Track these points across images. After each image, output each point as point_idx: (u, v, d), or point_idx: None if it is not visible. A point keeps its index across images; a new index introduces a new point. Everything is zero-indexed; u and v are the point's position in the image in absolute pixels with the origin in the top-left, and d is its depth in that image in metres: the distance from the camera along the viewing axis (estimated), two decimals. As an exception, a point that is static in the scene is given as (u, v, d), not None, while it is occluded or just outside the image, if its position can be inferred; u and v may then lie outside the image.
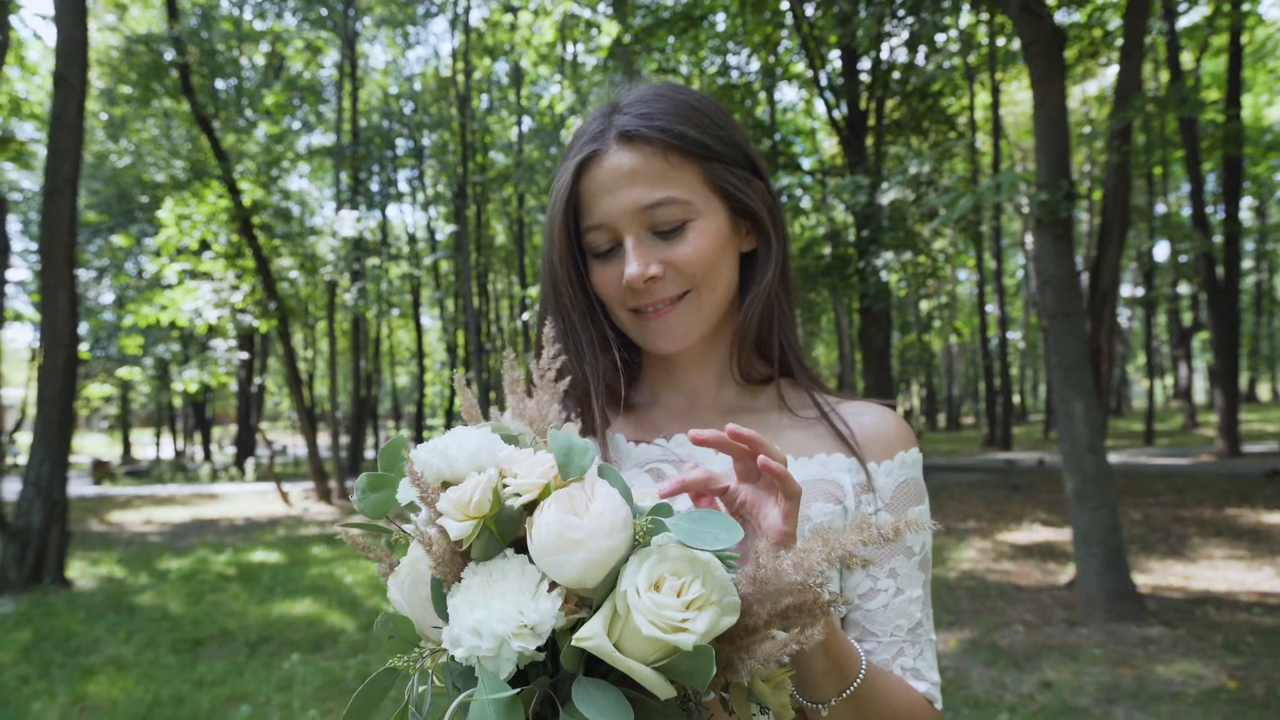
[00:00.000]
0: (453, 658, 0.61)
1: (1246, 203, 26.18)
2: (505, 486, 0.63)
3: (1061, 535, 9.05)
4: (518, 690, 0.58)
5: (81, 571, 9.00)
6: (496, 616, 0.58)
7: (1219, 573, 7.22)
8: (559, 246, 0.91)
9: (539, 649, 0.59)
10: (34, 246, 23.78)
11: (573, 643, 0.59)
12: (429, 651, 0.68)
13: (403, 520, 0.74)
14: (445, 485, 0.65)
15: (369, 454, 35.36)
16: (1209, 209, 17.98)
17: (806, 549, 0.62)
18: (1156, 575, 7.17)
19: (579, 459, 0.64)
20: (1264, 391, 46.10)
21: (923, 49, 14.02)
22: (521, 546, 0.64)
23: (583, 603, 0.63)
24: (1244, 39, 16.30)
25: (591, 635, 0.58)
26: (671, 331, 0.91)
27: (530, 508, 0.63)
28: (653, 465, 0.93)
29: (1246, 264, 28.53)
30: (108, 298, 22.62)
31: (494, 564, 0.62)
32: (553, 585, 0.61)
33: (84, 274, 22.02)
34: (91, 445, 43.49)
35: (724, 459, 0.90)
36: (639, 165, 0.87)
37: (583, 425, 0.93)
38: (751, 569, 0.62)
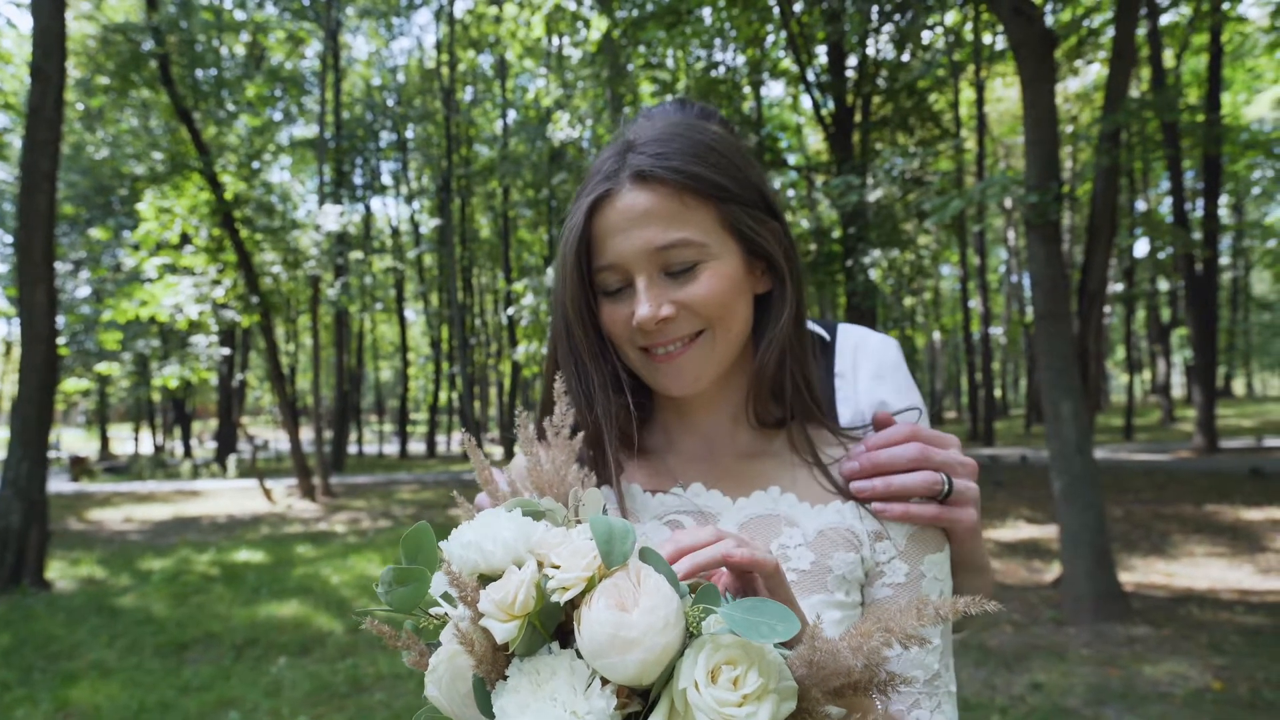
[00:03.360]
0: None
1: (1223, 200, 26.52)
2: (548, 579, 0.60)
3: (1046, 532, 9.13)
4: None
5: (61, 572, 8.87)
6: (549, 719, 0.56)
7: (1200, 570, 7.32)
8: (570, 285, 0.88)
9: None
10: (9, 239, 23.36)
11: None
12: None
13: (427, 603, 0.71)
14: (482, 579, 0.62)
15: (352, 449, 35.15)
16: (1187, 205, 18.21)
17: (865, 631, 0.60)
18: (1140, 573, 7.26)
19: (621, 545, 0.61)
20: (1239, 386, 46.81)
21: (909, 46, 14.05)
22: (564, 634, 0.62)
23: (633, 693, 0.60)
24: (1224, 38, 16.49)
25: None
26: (683, 374, 0.88)
27: (574, 600, 0.61)
28: (670, 517, 0.90)
29: (1223, 260, 28.90)
30: (84, 291, 22.28)
31: (540, 661, 0.60)
32: (605, 680, 0.58)
33: (61, 267, 21.66)
34: (68, 440, 42.88)
35: (738, 513, 0.89)
36: (652, 206, 0.85)
37: (596, 473, 0.90)
38: (807, 651, 0.60)
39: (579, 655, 0.59)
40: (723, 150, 0.89)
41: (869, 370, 1.16)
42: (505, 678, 0.60)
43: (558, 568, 0.60)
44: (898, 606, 0.61)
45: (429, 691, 0.66)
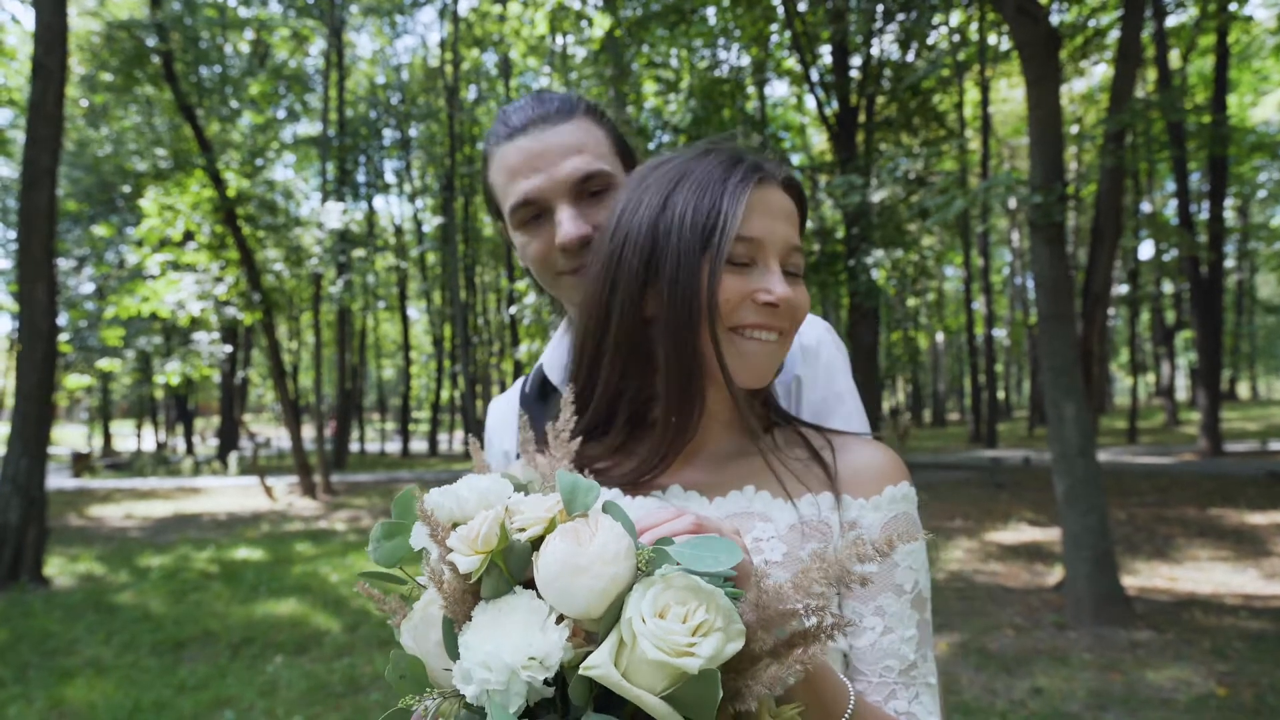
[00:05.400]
0: (464, 704, 0.62)
1: (1229, 203, 26.40)
2: (512, 522, 0.65)
3: (1048, 535, 9.09)
4: None
5: (60, 569, 8.86)
6: (506, 648, 0.59)
7: (1204, 574, 7.27)
8: (726, 247, 0.87)
9: (548, 683, 0.60)
10: (11, 235, 23.39)
11: (580, 672, 0.59)
12: (439, 697, 0.68)
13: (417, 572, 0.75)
14: (456, 527, 0.66)
15: (354, 447, 35.15)
16: (1192, 208, 18.13)
17: (804, 570, 0.64)
18: (1143, 577, 7.21)
19: (583, 496, 0.66)
20: (1243, 390, 46.66)
21: (913, 46, 14.00)
22: (531, 587, 0.65)
23: (590, 637, 0.63)
24: (1230, 39, 16.41)
25: (598, 664, 0.59)
26: (767, 362, 0.92)
27: (537, 544, 0.64)
28: (644, 514, 0.92)
29: (1228, 263, 28.78)
30: (87, 288, 22.29)
31: (503, 600, 0.64)
32: (560, 619, 0.62)
33: (63, 263, 21.67)
34: (71, 437, 42.98)
35: (714, 512, 0.92)
36: (790, 210, 0.94)
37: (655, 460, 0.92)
38: (754, 595, 0.63)
39: (539, 596, 0.62)
40: None
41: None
42: (471, 619, 0.63)
43: (523, 513, 0.65)
44: (839, 550, 0.65)
45: (403, 639, 0.71)
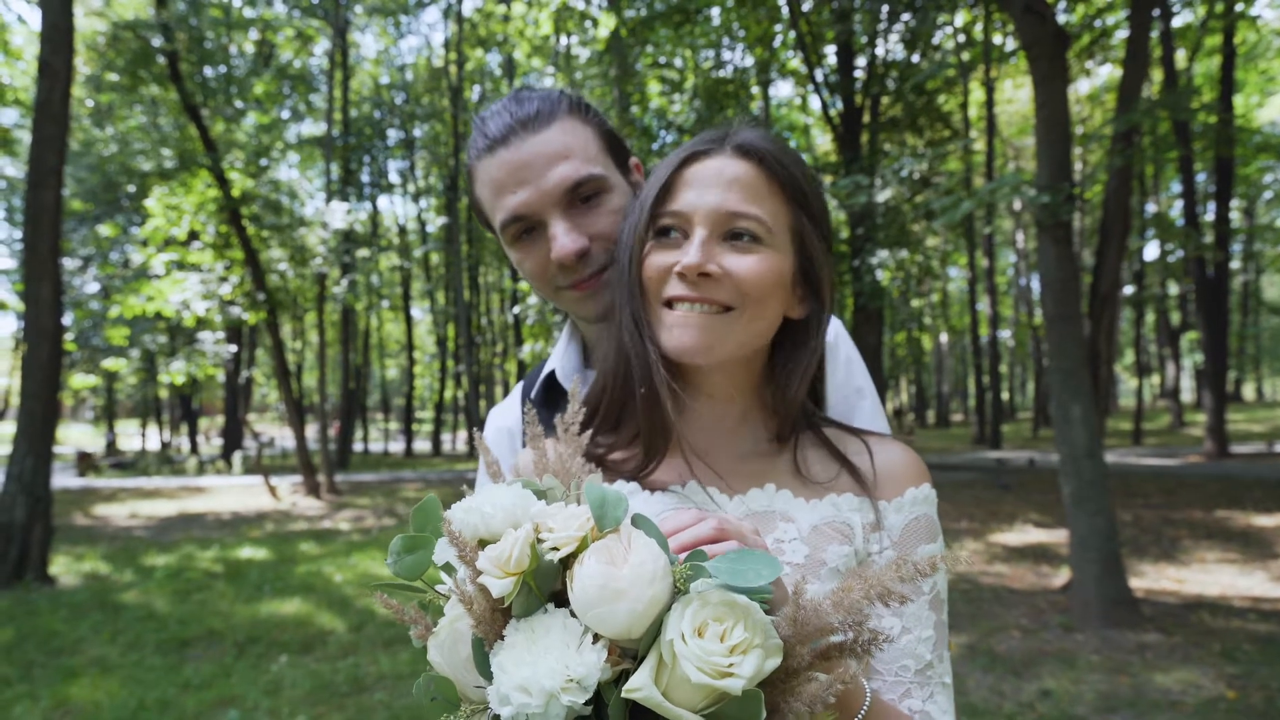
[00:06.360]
0: (497, 717, 0.61)
1: (1234, 204, 26.28)
2: (542, 541, 0.64)
3: (1054, 537, 9.05)
4: None
5: (65, 568, 8.87)
6: (544, 672, 0.58)
7: (1211, 576, 7.23)
8: (636, 222, 0.94)
9: (585, 703, 0.59)
10: (17, 234, 23.42)
11: (622, 695, 0.59)
12: (471, 713, 0.68)
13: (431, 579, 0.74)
14: (482, 543, 0.66)
15: (357, 447, 35.18)
16: (1198, 208, 18.07)
17: (846, 587, 0.63)
18: (1149, 579, 7.18)
19: (613, 510, 0.65)
20: (1249, 391, 46.50)
21: (918, 46, 13.97)
22: (560, 600, 0.64)
23: (625, 653, 0.63)
24: (1236, 40, 16.35)
25: (640, 686, 0.59)
26: (699, 335, 0.88)
27: (567, 561, 0.64)
28: (666, 514, 0.90)
29: (1234, 264, 28.66)
30: (93, 287, 22.35)
31: (536, 619, 0.63)
32: (596, 637, 0.61)
33: (69, 263, 21.72)
34: (76, 436, 43.07)
35: (734, 510, 0.91)
36: (742, 175, 0.90)
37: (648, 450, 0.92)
38: (791, 610, 0.63)
39: (573, 615, 0.62)
40: (807, 169, 0.96)
41: None
42: (503, 638, 0.63)
43: (553, 532, 0.64)
44: (879, 567, 0.65)
45: (431, 656, 0.70)
